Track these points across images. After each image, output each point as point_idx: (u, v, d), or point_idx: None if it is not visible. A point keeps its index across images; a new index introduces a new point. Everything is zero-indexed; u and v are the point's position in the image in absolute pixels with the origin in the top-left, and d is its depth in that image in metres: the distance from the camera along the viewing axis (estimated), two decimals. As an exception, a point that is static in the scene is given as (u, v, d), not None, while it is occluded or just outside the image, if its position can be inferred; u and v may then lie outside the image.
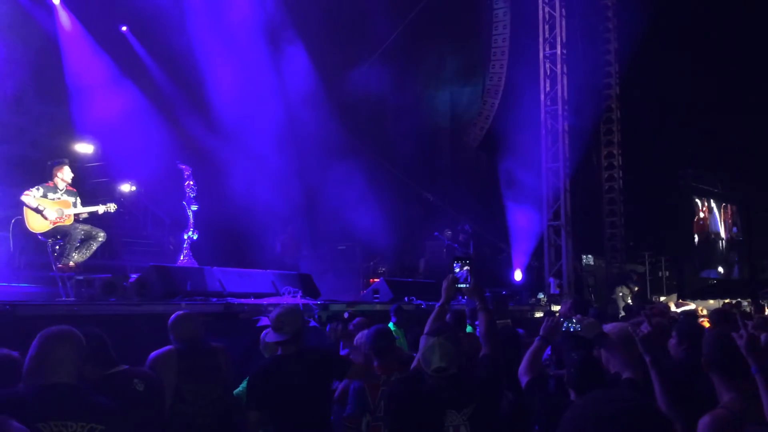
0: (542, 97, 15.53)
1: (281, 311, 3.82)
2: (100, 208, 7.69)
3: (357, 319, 4.96)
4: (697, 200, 25.91)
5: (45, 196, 7.38)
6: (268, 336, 3.82)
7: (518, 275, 15.03)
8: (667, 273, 23.48)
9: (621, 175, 21.04)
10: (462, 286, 3.75)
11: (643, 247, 22.26)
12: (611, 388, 3.21)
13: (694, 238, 25.11)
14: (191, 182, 9.01)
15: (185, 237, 8.93)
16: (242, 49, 13.85)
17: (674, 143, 22.64)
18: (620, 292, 15.26)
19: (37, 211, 7.23)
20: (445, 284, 3.79)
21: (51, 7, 12.67)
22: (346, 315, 7.05)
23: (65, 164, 7.69)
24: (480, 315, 3.66)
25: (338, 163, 14.21)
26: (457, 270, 3.76)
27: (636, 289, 15.93)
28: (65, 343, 2.83)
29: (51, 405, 2.63)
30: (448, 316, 4.96)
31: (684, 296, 20.90)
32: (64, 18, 12.76)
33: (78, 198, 7.69)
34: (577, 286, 15.38)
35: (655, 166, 21.98)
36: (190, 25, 13.32)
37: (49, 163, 7.80)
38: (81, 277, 7.13)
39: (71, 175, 7.70)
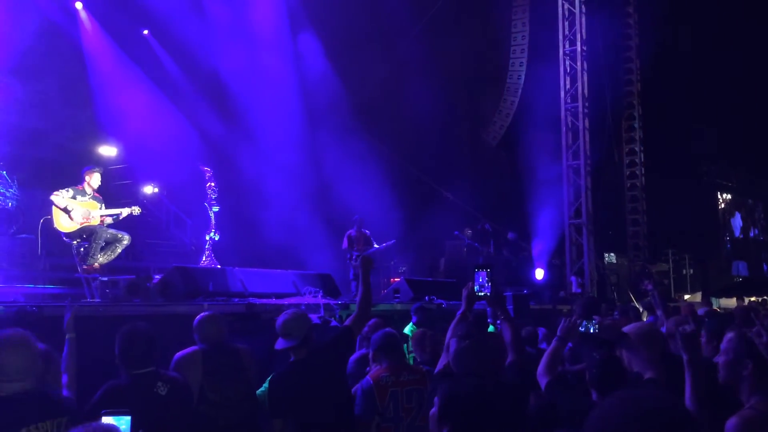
0: (562, 94, 15.44)
1: (287, 318, 3.81)
2: (125, 211, 7.80)
3: (372, 320, 4.95)
4: (721, 197, 25.55)
5: (74, 197, 7.52)
6: (278, 343, 3.80)
7: (539, 274, 14.93)
8: (692, 271, 23.17)
9: (643, 172, 20.82)
10: (482, 294, 3.75)
11: (666, 245, 21.97)
12: (634, 388, 3.19)
13: (718, 236, 24.78)
14: (212, 184, 9.09)
15: (207, 238, 9.01)
16: (262, 50, 13.94)
17: (697, 139, 22.34)
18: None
19: (65, 211, 7.38)
20: (465, 292, 3.81)
21: (73, 12, 12.84)
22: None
23: (96, 171, 7.85)
24: (503, 325, 3.66)
25: (357, 162, 14.23)
26: (479, 279, 3.76)
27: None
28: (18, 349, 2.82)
29: (29, 410, 2.73)
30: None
31: (709, 294, 20.60)
32: (86, 22, 12.93)
33: (103, 204, 7.83)
34: (599, 285, 15.27)
35: (678, 162, 21.70)
36: (210, 28, 13.45)
37: (86, 168, 7.95)
38: (105, 279, 7.23)
39: (99, 183, 7.85)
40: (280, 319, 3.81)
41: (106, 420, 2.22)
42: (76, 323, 3.87)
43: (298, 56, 14.96)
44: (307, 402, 3.63)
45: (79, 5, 12.85)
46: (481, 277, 3.77)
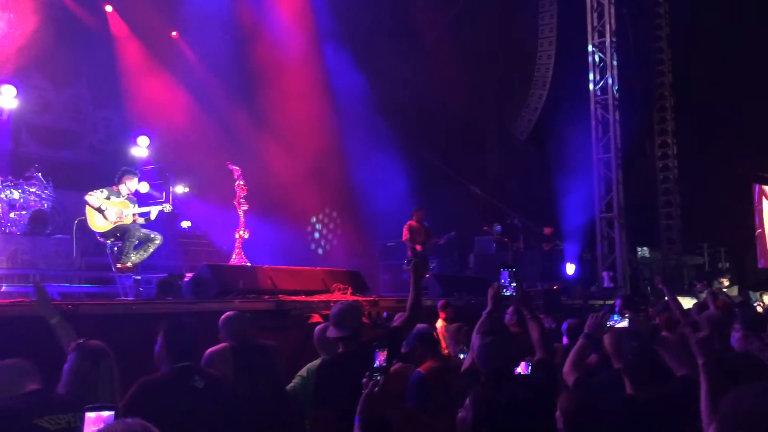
0: (592, 86, 15.23)
1: (342, 306, 3.80)
2: (154, 210, 7.93)
3: (398, 315, 4.93)
4: (757, 188, 24.95)
5: (108, 198, 7.67)
6: (330, 331, 3.79)
7: (570, 269, 14.76)
8: (727, 264, 22.66)
9: (676, 164, 20.45)
10: (508, 294, 3.73)
11: (701, 238, 21.52)
12: (668, 382, 3.15)
13: (754, 228, 24.22)
14: (242, 182, 9.17)
15: (237, 236, 9.09)
16: (290, 49, 14.02)
17: (732, 130, 21.83)
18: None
19: (99, 210, 7.53)
20: (490, 292, 3.79)
21: (104, 15, 13.05)
22: (384, 315, 7.07)
23: (136, 176, 8.04)
24: (529, 324, 3.63)
25: (385, 159, 14.23)
26: (504, 280, 3.74)
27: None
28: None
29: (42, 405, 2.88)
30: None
31: (745, 288, 20.17)
32: (116, 25, 13.13)
33: (136, 204, 7.98)
34: (632, 280, 15.05)
35: (712, 154, 21.22)
36: (238, 29, 13.57)
37: (123, 168, 8.11)
38: (138, 277, 7.38)
39: (136, 187, 8.04)
40: (335, 308, 3.81)
41: (90, 416, 2.24)
42: (109, 322, 3.93)
43: (324, 55, 14.99)
44: (353, 395, 3.62)
45: (109, 8, 13.06)
46: (505, 277, 3.75)
